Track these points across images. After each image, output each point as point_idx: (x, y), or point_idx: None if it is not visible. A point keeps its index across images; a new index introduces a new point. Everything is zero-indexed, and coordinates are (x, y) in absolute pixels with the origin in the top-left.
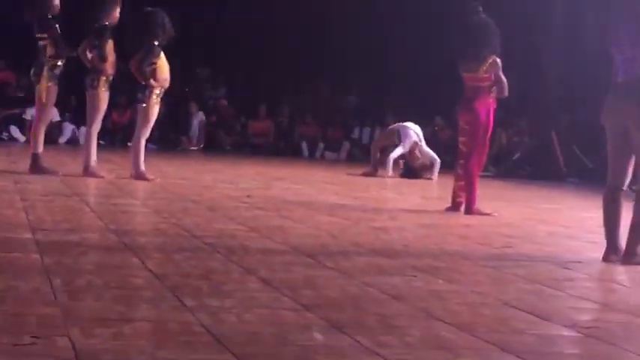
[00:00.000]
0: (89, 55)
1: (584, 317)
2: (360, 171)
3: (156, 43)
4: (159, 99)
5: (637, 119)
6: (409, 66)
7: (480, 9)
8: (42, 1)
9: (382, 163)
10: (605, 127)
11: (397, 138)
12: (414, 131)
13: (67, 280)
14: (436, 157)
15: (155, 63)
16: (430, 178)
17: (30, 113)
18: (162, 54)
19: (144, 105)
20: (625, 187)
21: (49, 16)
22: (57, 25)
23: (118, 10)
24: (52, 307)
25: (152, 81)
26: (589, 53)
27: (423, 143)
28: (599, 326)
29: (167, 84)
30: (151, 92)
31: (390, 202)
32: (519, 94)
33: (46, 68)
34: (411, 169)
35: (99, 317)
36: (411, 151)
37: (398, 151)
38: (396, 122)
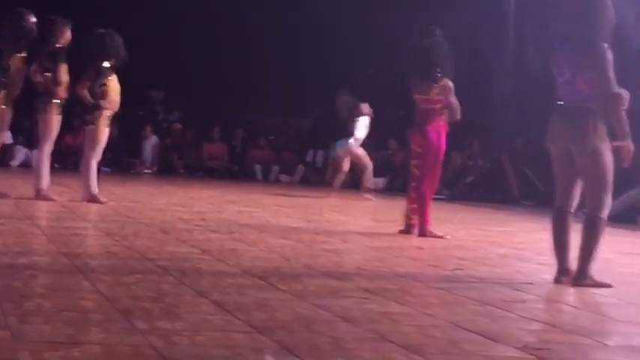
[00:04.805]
0: (40, 79)
1: (535, 338)
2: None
3: (106, 64)
4: (109, 121)
5: (577, 143)
6: (363, 89)
7: (438, 32)
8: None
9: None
10: (550, 150)
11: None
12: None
13: (17, 304)
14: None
15: (105, 84)
16: (370, 199)
17: None
18: (114, 76)
19: (93, 126)
20: (573, 210)
21: None
22: None
23: (69, 32)
24: (1, 331)
25: (102, 102)
26: (541, 75)
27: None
28: (549, 347)
29: (117, 107)
30: (101, 114)
31: (343, 224)
32: (471, 116)
33: (3, 92)
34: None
35: (48, 340)
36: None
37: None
38: None
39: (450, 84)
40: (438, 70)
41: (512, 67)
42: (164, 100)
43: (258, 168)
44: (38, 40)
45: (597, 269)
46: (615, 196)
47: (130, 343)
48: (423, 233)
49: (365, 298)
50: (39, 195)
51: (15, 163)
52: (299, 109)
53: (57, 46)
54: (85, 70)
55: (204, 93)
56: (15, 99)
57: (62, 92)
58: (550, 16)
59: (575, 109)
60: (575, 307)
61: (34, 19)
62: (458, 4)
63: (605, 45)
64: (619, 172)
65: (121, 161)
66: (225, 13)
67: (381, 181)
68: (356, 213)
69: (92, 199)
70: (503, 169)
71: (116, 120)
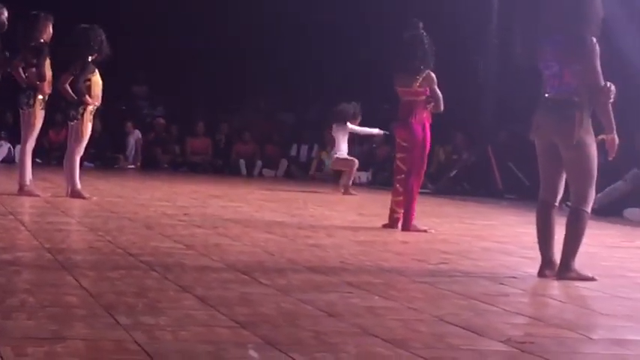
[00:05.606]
0: (24, 74)
1: (519, 332)
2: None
3: (90, 59)
4: (92, 116)
5: (563, 136)
6: (347, 83)
7: (420, 25)
8: None
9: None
10: (535, 143)
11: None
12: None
13: (0, 299)
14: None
15: (89, 79)
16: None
17: None
18: (96, 71)
19: (77, 122)
20: (557, 203)
21: None
22: None
23: (51, 27)
24: None
25: (86, 97)
26: (525, 68)
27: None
28: (534, 341)
29: (99, 102)
30: (85, 109)
31: (327, 218)
32: (454, 109)
33: None
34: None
35: (32, 336)
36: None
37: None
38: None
39: (433, 75)
40: (420, 62)
41: (495, 58)
42: (148, 95)
43: (242, 163)
44: (21, 35)
45: (582, 262)
46: (599, 189)
47: (114, 338)
48: (406, 227)
49: (349, 293)
50: (22, 190)
51: None
52: (283, 103)
53: (40, 41)
54: (71, 66)
55: (188, 88)
56: None
57: (46, 87)
58: (537, 10)
59: (561, 102)
60: (560, 300)
61: (6, 14)
62: None
63: (594, 39)
64: (604, 166)
65: (104, 156)
66: (210, 8)
67: (364, 176)
68: (340, 207)
69: (76, 194)
70: (489, 162)
71: (99, 115)
